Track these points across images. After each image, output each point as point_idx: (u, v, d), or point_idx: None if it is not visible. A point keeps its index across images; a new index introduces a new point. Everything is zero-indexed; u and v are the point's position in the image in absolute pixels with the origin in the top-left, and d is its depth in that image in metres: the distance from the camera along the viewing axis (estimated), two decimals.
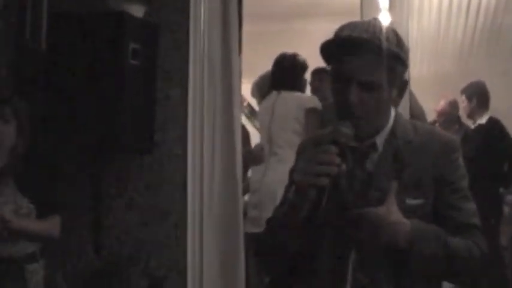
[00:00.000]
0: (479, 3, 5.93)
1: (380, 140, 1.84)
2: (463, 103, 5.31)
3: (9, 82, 3.06)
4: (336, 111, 1.82)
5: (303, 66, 4.48)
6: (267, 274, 2.59)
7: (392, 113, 1.90)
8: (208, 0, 3.33)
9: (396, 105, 1.89)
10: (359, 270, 1.75)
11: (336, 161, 1.63)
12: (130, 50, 2.81)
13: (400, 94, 1.87)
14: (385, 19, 3.48)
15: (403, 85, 1.86)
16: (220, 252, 3.32)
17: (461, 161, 1.87)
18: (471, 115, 5.29)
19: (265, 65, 4.93)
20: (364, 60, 1.75)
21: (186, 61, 3.28)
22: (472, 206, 1.83)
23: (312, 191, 1.63)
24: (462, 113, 5.39)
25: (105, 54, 2.77)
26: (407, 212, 1.73)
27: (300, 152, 1.94)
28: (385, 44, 1.75)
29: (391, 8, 3.52)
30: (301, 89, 4.43)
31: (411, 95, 3.95)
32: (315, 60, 4.48)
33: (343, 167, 1.68)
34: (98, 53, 2.76)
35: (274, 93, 4.43)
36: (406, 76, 1.88)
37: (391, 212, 1.66)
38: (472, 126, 5.24)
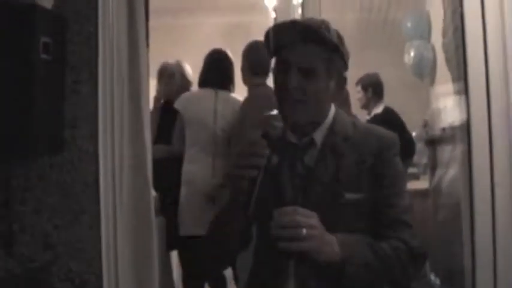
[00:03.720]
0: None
1: (318, 136, 1.88)
2: (358, 93, 5.48)
3: None
4: (277, 97, 1.86)
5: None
6: (208, 273, 2.56)
7: (332, 110, 1.93)
8: None
9: (334, 100, 1.93)
10: (298, 279, 1.78)
11: (265, 153, 1.66)
12: (41, 44, 2.65)
13: (339, 89, 1.91)
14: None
15: (341, 80, 1.90)
16: (134, 250, 3.24)
17: (398, 158, 1.93)
18: (366, 105, 5.47)
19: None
20: (306, 47, 1.80)
21: (95, 54, 3.15)
22: (404, 202, 1.89)
23: (244, 182, 1.65)
24: (357, 104, 5.58)
25: (15, 48, 2.59)
26: (346, 206, 1.77)
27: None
28: (327, 34, 1.79)
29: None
30: (233, 90, 4.39)
31: None
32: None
33: (274, 159, 1.72)
34: (6, 47, 2.58)
35: (210, 91, 4.30)
36: (344, 73, 1.92)
37: (321, 246, 1.67)
38: (368, 117, 5.43)
